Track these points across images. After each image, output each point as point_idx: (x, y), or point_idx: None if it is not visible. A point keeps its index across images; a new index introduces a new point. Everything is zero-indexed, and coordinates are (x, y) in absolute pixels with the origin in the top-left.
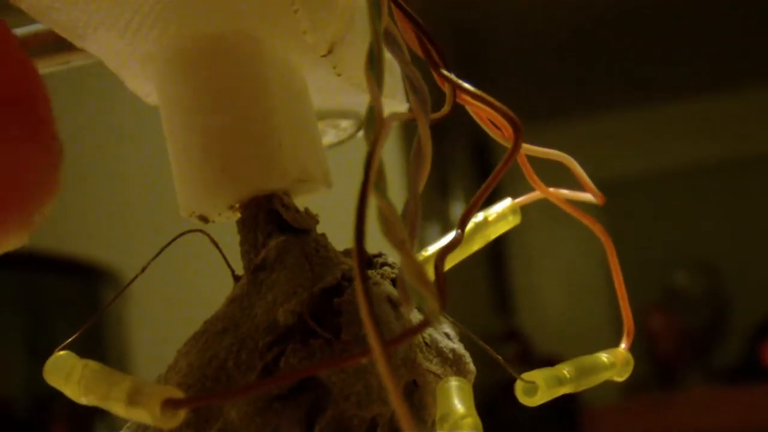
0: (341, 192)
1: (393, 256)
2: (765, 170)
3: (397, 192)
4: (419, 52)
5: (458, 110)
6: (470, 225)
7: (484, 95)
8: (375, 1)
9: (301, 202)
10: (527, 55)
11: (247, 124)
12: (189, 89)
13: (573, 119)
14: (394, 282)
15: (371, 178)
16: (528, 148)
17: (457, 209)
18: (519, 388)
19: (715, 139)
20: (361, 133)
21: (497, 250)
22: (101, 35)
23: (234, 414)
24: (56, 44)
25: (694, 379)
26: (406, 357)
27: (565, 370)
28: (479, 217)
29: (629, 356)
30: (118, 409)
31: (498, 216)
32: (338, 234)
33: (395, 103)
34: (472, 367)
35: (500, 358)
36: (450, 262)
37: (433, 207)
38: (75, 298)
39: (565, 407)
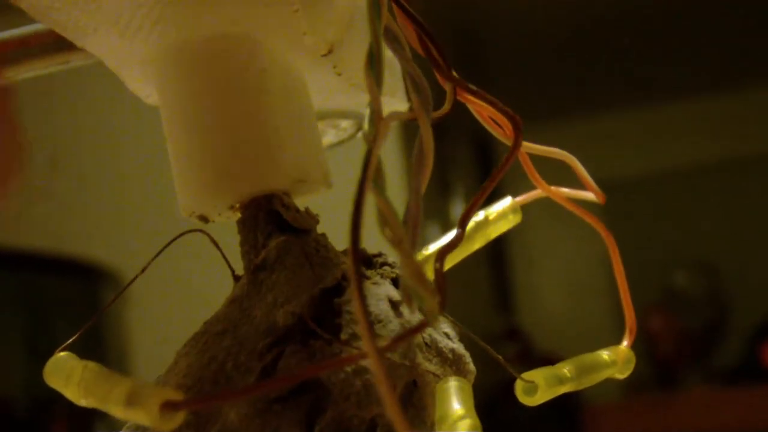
0: (341, 192)
1: (393, 256)
2: (765, 170)
3: (398, 192)
4: (420, 51)
5: (459, 108)
6: (471, 224)
7: (485, 93)
8: (375, 0)
9: (301, 202)
10: (527, 55)
11: (247, 125)
12: (189, 90)
13: (573, 119)
14: (394, 281)
15: (369, 176)
16: (529, 146)
17: (457, 208)
18: (519, 387)
19: (715, 139)
20: (361, 133)
21: (498, 248)
22: (101, 35)
23: (233, 415)
24: (56, 44)
25: (694, 379)
26: (405, 357)
27: (565, 368)
28: (480, 215)
29: (631, 354)
30: (116, 411)
31: (499, 215)
32: (339, 234)
33: (396, 102)
34: (472, 367)
35: (500, 357)
36: (450, 261)
37: (433, 206)
38: (75, 298)
39: (565, 407)
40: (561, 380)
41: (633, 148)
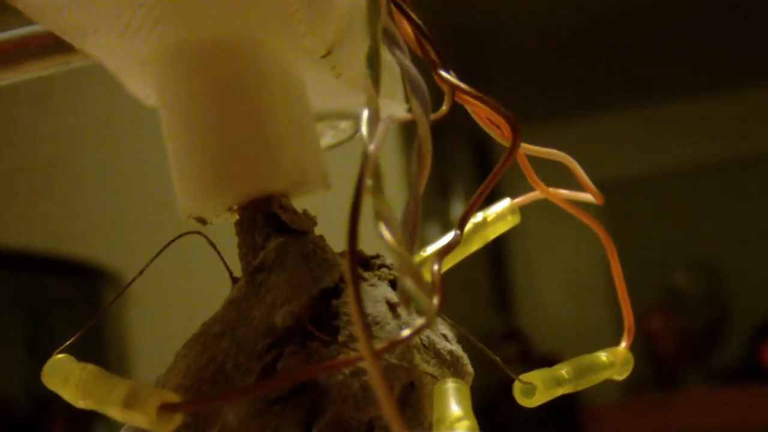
0: (340, 193)
1: (391, 258)
2: (765, 170)
3: (397, 193)
4: (418, 52)
5: (459, 110)
6: (469, 225)
7: (482, 95)
8: (373, 1)
9: (299, 203)
10: (527, 55)
11: (245, 126)
12: (188, 91)
13: (573, 119)
14: (392, 283)
15: (366, 178)
16: (527, 147)
17: (457, 209)
18: (517, 389)
19: (715, 139)
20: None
21: (497, 249)
22: (100, 36)
23: (232, 416)
24: (56, 45)
25: (694, 379)
26: (403, 359)
27: (563, 370)
28: (478, 217)
29: (629, 355)
30: (114, 412)
31: (497, 216)
32: (337, 236)
33: (395, 104)
34: (470, 368)
35: (498, 359)
36: (449, 263)
37: (433, 207)
38: (75, 298)
39: (564, 408)
40: (559, 382)
41: (633, 148)
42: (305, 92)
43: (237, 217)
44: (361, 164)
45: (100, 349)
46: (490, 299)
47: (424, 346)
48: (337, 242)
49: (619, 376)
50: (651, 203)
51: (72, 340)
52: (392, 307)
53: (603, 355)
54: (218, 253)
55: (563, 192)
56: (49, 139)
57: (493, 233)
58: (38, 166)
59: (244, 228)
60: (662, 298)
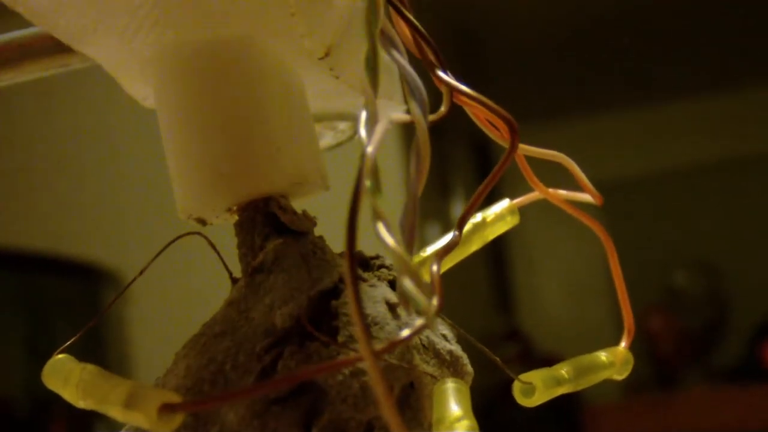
0: (339, 194)
1: (390, 258)
2: (765, 170)
3: (398, 193)
4: (416, 53)
5: (459, 110)
6: (468, 226)
7: (480, 96)
8: (372, 3)
9: (298, 204)
10: (527, 55)
11: (244, 127)
12: (186, 93)
13: (573, 119)
14: (391, 284)
15: (364, 179)
16: (526, 148)
17: (457, 209)
18: (517, 388)
19: (715, 139)
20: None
21: (498, 250)
22: (99, 39)
23: (232, 417)
24: (55, 47)
25: (694, 379)
26: (403, 359)
27: (563, 370)
28: (477, 218)
29: (629, 355)
30: (115, 413)
31: (496, 217)
32: (336, 236)
33: (393, 105)
34: (469, 368)
35: (498, 359)
36: (448, 263)
37: (433, 207)
38: (75, 298)
39: (564, 408)
40: (559, 381)
41: (633, 148)
42: (304, 93)
43: (236, 217)
44: (360, 165)
45: (101, 350)
46: (490, 299)
47: (423, 346)
48: (337, 243)
49: (619, 376)
50: (651, 203)
51: (73, 340)
52: (392, 307)
53: (603, 355)
54: (218, 253)
55: (562, 192)
56: (49, 139)
57: (492, 234)
58: (38, 166)
59: (243, 228)
60: (662, 298)
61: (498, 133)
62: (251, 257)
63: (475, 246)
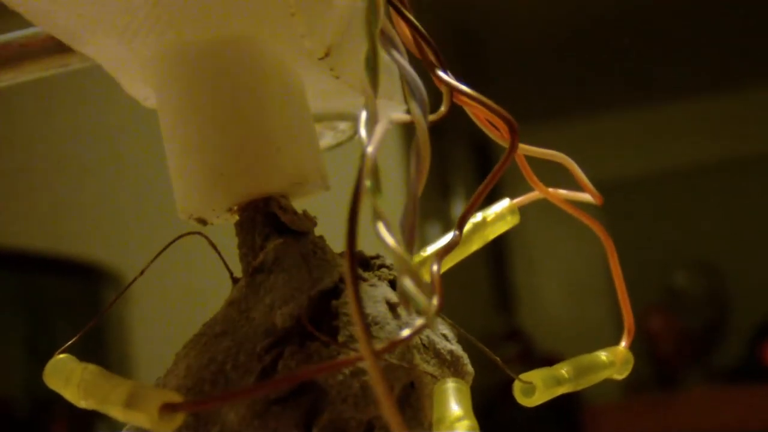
0: (339, 194)
1: (391, 258)
2: (765, 170)
3: (398, 193)
4: (416, 53)
5: (459, 110)
6: (468, 225)
7: (480, 96)
8: (372, 3)
9: (299, 204)
10: (527, 55)
11: (244, 127)
12: (187, 93)
13: (573, 119)
14: (391, 283)
15: (364, 178)
16: (526, 148)
17: (458, 209)
18: (517, 388)
19: (715, 139)
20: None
21: (498, 249)
22: (99, 39)
23: (232, 417)
24: (55, 47)
25: (694, 379)
26: (403, 359)
27: (563, 369)
28: (478, 217)
29: (629, 354)
30: (116, 412)
31: (496, 216)
32: (337, 236)
33: (394, 105)
34: (470, 368)
35: (498, 359)
36: (448, 263)
37: (433, 207)
38: (75, 298)
39: (564, 407)
40: (559, 381)
41: (633, 148)
42: (304, 93)
43: (237, 217)
44: (360, 165)
45: (101, 350)
46: (490, 299)
47: (424, 346)
48: (337, 243)
49: (619, 376)
50: (651, 203)
51: (73, 340)
52: (392, 307)
53: (603, 355)
54: (219, 253)
55: (562, 192)
56: (49, 139)
57: (492, 233)
58: (38, 166)
59: (243, 228)
60: (662, 298)
61: (498, 133)
62: (252, 257)
63: (475, 245)
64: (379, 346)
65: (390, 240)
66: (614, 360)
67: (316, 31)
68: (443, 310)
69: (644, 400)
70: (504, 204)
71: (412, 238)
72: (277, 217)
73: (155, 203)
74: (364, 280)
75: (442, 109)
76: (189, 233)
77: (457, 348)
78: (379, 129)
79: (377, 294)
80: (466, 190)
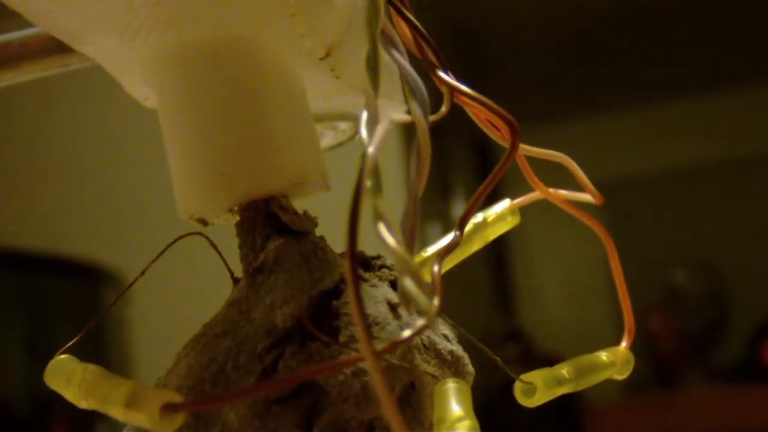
0: (340, 194)
1: (391, 258)
2: (765, 170)
3: (398, 193)
4: (417, 53)
5: (459, 110)
6: (469, 226)
7: (481, 97)
8: (372, 3)
9: (299, 204)
10: (527, 55)
11: (245, 127)
12: (187, 93)
13: (573, 119)
14: (392, 284)
15: (365, 179)
16: (526, 148)
17: (458, 209)
18: (518, 389)
19: (715, 139)
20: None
21: (499, 250)
22: (99, 39)
23: (233, 417)
24: (55, 47)
25: (694, 379)
26: (404, 359)
27: (564, 370)
28: (478, 218)
29: (630, 355)
30: (117, 413)
31: (497, 217)
32: (337, 236)
33: (394, 105)
34: (470, 368)
35: (498, 359)
36: (449, 263)
37: (434, 207)
38: (75, 298)
39: (564, 408)
40: (559, 381)
41: (633, 148)
42: (304, 93)
43: (237, 218)
44: (361, 165)
45: (102, 350)
46: (491, 299)
47: (424, 346)
48: (338, 243)
49: (620, 376)
50: (651, 203)
51: (74, 340)
52: (393, 307)
53: (603, 355)
54: (219, 253)
55: (563, 192)
56: (49, 139)
57: (493, 234)
58: (38, 166)
59: (244, 229)
60: (662, 298)
61: (498, 133)
62: (252, 257)
63: (476, 246)
64: (379, 346)
65: (391, 240)
66: (615, 360)
67: (317, 31)
68: (444, 311)
69: (644, 400)
70: (504, 204)
71: (413, 239)
72: (278, 218)
73: (155, 203)
74: (365, 280)
75: (443, 109)
76: (189, 234)
77: (457, 348)
78: (380, 129)
79: (378, 294)
80: (467, 190)
